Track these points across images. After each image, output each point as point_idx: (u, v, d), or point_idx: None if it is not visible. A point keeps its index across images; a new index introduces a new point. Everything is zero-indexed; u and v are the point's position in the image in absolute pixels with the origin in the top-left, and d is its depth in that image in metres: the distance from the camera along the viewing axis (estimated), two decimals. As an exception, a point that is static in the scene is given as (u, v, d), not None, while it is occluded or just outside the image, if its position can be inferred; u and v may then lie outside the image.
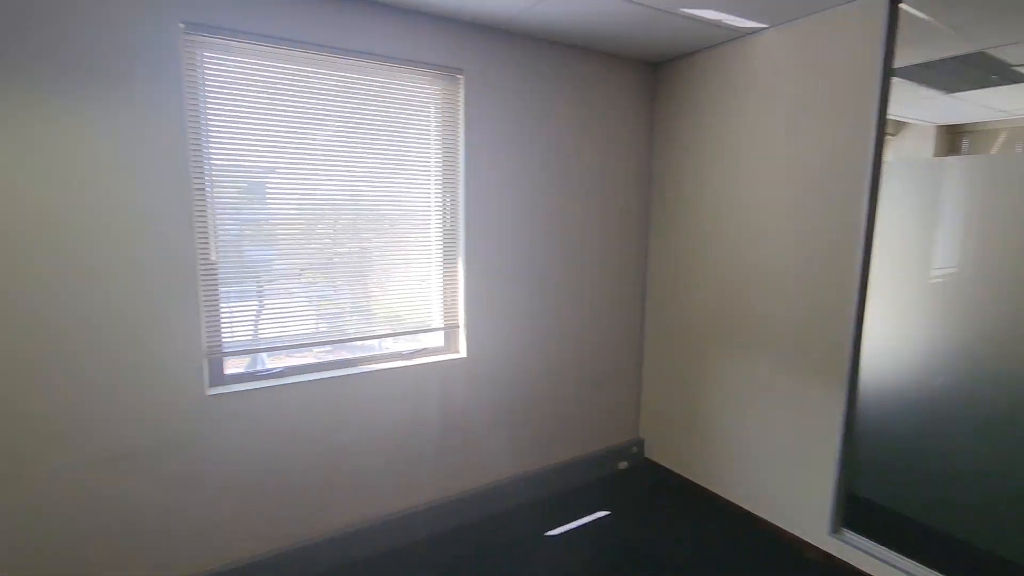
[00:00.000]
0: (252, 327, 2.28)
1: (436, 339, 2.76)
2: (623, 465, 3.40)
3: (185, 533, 2.13)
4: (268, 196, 2.25)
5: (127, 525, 2.02)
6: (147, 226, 1.95)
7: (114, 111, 1.86)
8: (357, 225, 2.44)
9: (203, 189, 2.07)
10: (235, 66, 2.10)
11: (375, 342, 2.65)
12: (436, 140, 2.57)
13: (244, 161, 2.16)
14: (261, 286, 2.29)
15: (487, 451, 2.88)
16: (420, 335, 2.71)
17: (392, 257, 2.55)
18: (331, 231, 2.39)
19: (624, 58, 3.05)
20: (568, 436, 3.18)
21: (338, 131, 2.32)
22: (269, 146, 2.20)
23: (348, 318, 2.49)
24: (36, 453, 1.86)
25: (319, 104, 2.27)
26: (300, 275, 2.34)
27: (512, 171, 2.75)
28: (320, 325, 2.46)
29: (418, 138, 2.53)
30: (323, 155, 2.31)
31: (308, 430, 2.35)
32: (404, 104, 2.47)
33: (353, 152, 2.37)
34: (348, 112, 2.34)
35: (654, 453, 3.44)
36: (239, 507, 2.23)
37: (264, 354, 2.37)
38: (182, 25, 1.95)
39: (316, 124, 2.27)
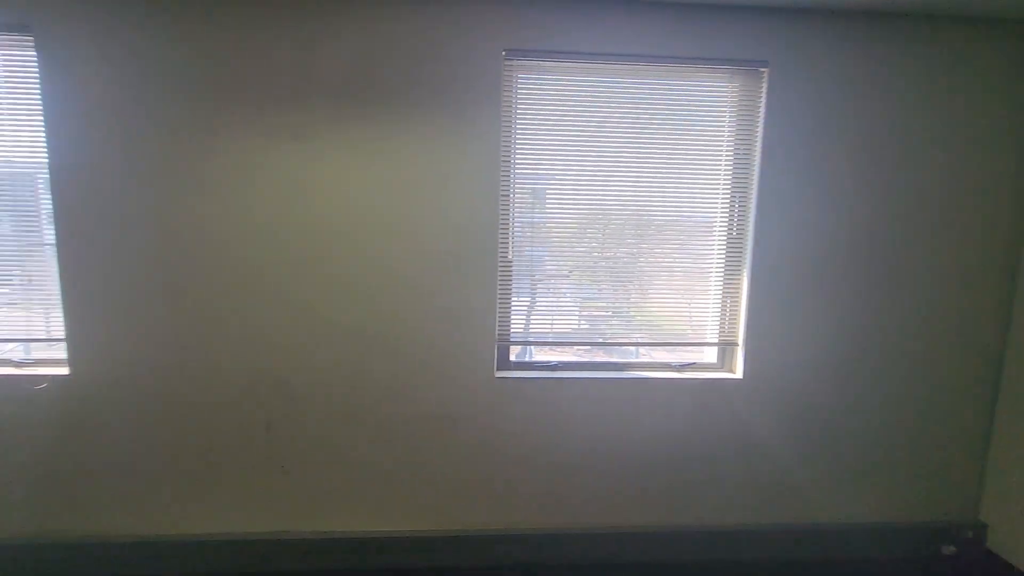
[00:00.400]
0: (524, 320, 2.48)
1: (708, 355, 2.57)
2: (950, 550, 2.60)
3: (459, 489, 2.44)
4: (547, 200, 2.42)
5: (419, 471, 2.42)
6: (465, 229, 2.29)
7: (447, 132, 2.23)
8: (626, 229, 2.44)
9: (508, 196, 2.34)
10: (542, 83, 2.31)
11: (632, 349, 2.62)
12: (728, 141, 2.38)
13: (537, 169, 2.37)
14: (535, 283, 2.47)
15: (766, 488, 2.56)
16: (686, 348, 2.56)
17: (660, 264, 2.47)
18: (600, 234, 2.45)
19: (1000, 20, 2.32)
20: (874, 493, 2.59)
21: (623, 136, 2.34)
22: (558, 154, 2.35)
23: (609, 321, 2.52)
24: (373, 404, 2.37)
25: (608, 111, 2.33)
26: (568, 275, 2.46)
27: (820, 172, 2.36)
28: (582, 324, 2.55)
29: (707, 140, 2.38)
30: (604, 160, 2.36)
31: (576, 423, 2.44)
32: (695, 105, 2.36)
33: (635, 156, 2.36)
34: (635, 117, 2.34)
35: (1003, 546, 2.55)
36: (506, 477, 2.45)
37: (531, 346, 2.55)
38: (504, 52, 2.22)
39: (602, 131, 2.34)
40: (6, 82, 2.14)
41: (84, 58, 2.09)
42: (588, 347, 2.59)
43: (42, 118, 2.11)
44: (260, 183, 2.19)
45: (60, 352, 2.27)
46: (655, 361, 2.57)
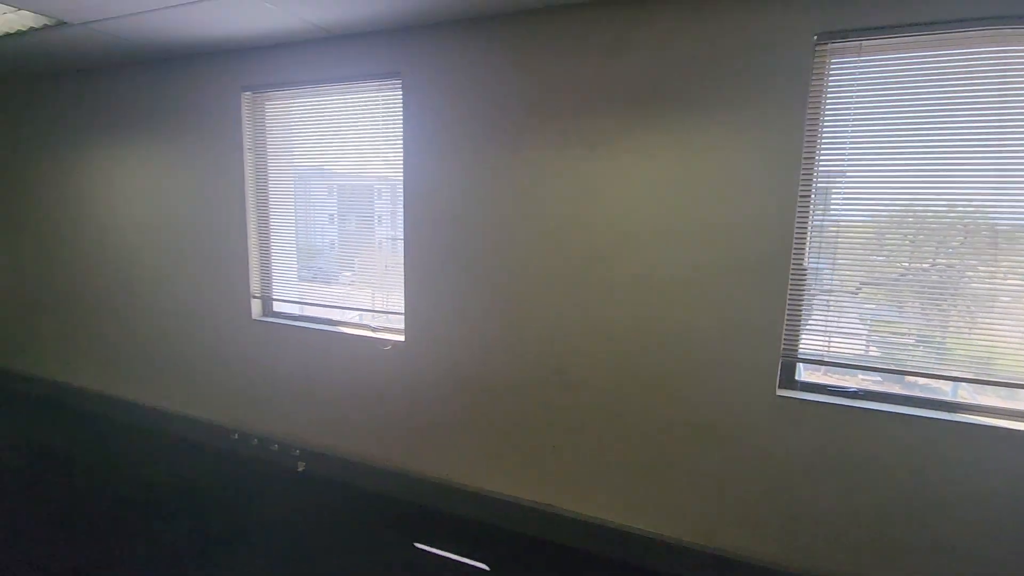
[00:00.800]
0: (806, 337, 2.22)
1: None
2: None
3: (717, 504, 2.31)
4: (846, 201, 2.12)
5: (679, 477, 2.37)
6: (754, 232, 2.15)
7: (743, 130, 2.12)
8: (949, 236, 1.99)
9: (808, 196, 2.12)
10: (859, 67, 2.02)
11: (947, 386, 2.15)
12: None
13: (843, 166, 2.09)
14: (818, 296, 2.20)
15: None
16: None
17: (1005, 283, 1.93)
18: (908, 243, 2.04)
19: None
20: None
21: (969, 119, 1.90)
22: (868, 148, 2.03)
23: (911, 349, 2.10)
24: (641, 403, 2.41)
25: (950, 90, 1.92)
26: (856, 292, 2.13)
27: None
28: (870, 350, 2.19)
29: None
30: (931, 151, 1.95)
31: (884, 466, 2.08)
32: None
33: (985, 144, 1.89)
34: (993, 93, 1.86)
35: None
36: (777, 505, 2.23)
37: (823, 366, 2.25)
38: (815, 37, 2.02)
39: (935, 115, 1.93)
40: (382, 117, 2.83)
41: (432, 92, 2.63)
42: (879, 377, 2.20)
43: (401, 143, 2.75)
44: (555, 188, 2.44)
45: (398, 323, 2.93)
46: (992, 406, 2.02)
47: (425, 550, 2.56)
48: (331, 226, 3.24)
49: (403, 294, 2.84)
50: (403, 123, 2.72)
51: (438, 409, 2.83)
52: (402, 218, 2.81)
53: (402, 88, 2.71)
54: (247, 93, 3.11)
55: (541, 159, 2.45)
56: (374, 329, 3.02)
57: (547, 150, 2.44)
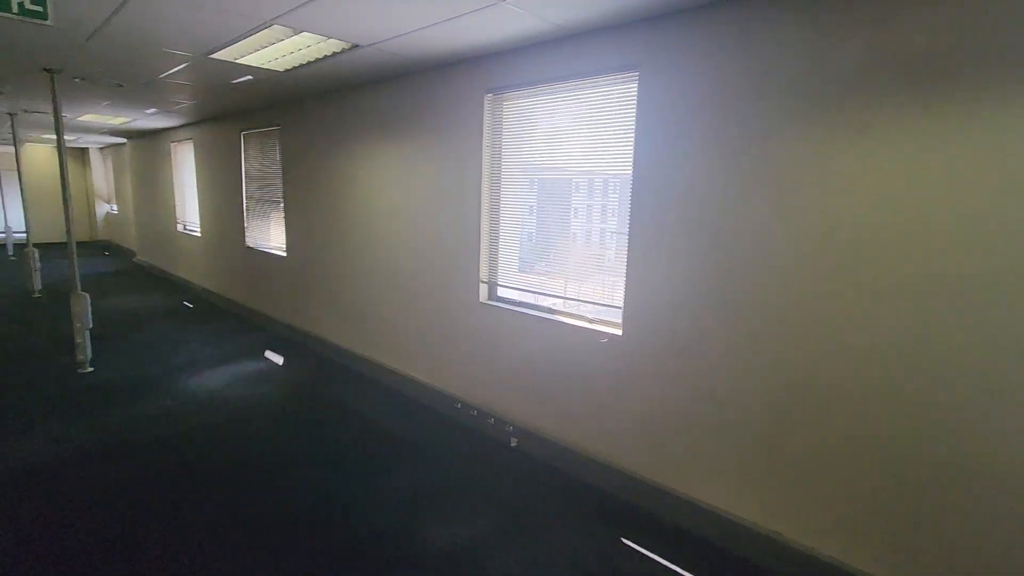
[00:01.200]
0: None
1: None
2: None
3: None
4: None
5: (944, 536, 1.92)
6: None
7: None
8: None
9: None
10: None
11: None
12: None
13: None
14: None
15: None
16: None
17: None
18: None
19: None
20: None
21: None
22: None
23: None
24: (903, 438, 2.01)
25: None
26: None
27: None
28: None
29: None
30: None
31: None
32: None
33: None
34: None
35: None
36: None
37: None
38: None
39: None
40: (612, 112, 2.84)
41: (671, 83, 2.54)
42: None
43: (632, 136, 2.72)
44: (813, 180, 2.16)
45: (613, 316, 2.94)
46: None
47: (632, 547, 2.54)
48: (544, 218, 3.36)
49: (623, 288, 2.83)
50: (637, 116, 2.69)
51: (653, 408, 2.77)
52: (622, 212, 2.79)
53: (639, 80, 2.67)
54: (489, 95, 3.40)
55: (796, 148, 2.19)
56: (590, 320, 3.07)
57: (804, 138, 2.17)
